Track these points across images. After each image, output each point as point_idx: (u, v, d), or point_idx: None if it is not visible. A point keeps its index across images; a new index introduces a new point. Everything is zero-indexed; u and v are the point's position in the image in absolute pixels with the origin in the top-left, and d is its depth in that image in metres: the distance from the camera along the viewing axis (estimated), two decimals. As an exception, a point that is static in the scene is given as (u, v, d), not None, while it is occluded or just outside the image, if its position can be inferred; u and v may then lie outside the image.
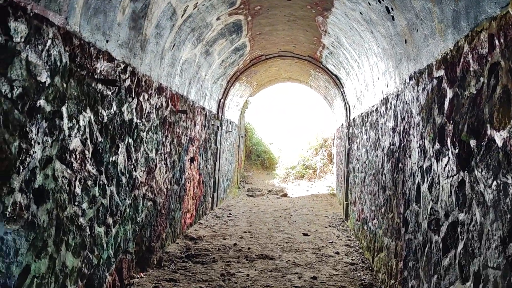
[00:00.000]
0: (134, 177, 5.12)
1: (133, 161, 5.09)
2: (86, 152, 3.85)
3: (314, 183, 17.10)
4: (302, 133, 21.39)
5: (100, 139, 4.13)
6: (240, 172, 17.71)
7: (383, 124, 6.23)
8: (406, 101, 4.78)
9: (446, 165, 3.30)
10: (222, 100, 11.23)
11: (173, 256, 6.53)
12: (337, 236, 8.82)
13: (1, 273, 2.70)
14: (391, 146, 5.50)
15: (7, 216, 2.75)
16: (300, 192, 16.22)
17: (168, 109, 6.47)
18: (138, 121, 5.18)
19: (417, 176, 4.14)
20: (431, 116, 3.77)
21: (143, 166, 5.45)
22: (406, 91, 4.77)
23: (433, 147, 3.68)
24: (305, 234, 8.82)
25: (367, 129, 7.86)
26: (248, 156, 20.36)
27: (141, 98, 5.24)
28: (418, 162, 4.15)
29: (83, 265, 3.87)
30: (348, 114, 10.89)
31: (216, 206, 11.59)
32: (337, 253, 7.36)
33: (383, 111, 6.20)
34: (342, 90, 10.85)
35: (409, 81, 4.65)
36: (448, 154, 3.27)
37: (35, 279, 3.10)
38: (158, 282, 5.32)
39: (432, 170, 3.66)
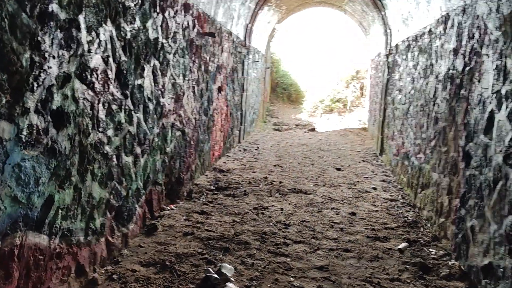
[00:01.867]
0: (161, 104, 4.72)
1: (160, 87, 4.65)
2: (109, 72, 3.42)
3: (344, 117, 16.49)
4: (332, 64, 20.30)
5: (123, 58, 3.67)
6: (265, 105, 17.21)
7: (438, 46, 5.50)
8: (478, 15, 4.05)
9: (541, 87, 2.72)
10: (249, 26, 10.43)
11: (203, 188, 6.34)
12: (372, 171, 8.46)
13: (21, 203, 2.43)
14: (450, 71, 4.84)
15: (23, 140, 2.41)
16: (329, 127, 15.73)
17: (195, 30, 5.89)
18: (164, 41, 4.66)
19: (490, 103, 3.56)
20: (520, 29, 3.11)
21: (171, 93, 5.03)
22: (480, 2, 4.02)
23: (519, 67, 3.07)
24: (338, 169, 8.48)
25: (414, 55, 7.10)
26: (273, 89, 19.69)
27: (166, 15, 4.67)
28: (492, 87, 3.55)
29: (111, 197, 3.63)
30: (389, 41, 9.97)
31: (243, 139, 11.30)
32: (374, 188, 7.03)
33: (440, 32, 5.44)
34: (383, 13, 9.84)
35: (485, -11, 3.89)
36: (546, 73, 2.67)
37: (60, 211, 2.84)
38: (189, 214, 5.14)
39: (516, 95, 3.09)
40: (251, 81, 12.17)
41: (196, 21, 5.89)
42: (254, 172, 7.69)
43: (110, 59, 3.43)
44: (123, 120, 3.74)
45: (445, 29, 5.24)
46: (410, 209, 5.88)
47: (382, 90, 10.50)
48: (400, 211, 5.78)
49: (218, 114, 7.95)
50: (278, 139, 12.63)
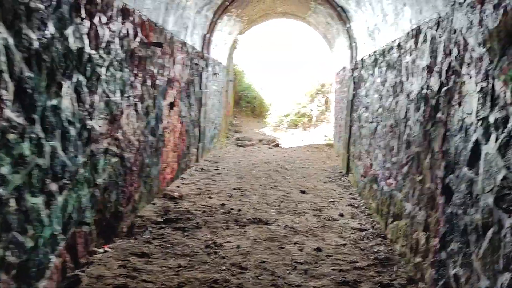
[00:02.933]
0: (89, 127, 3.95)
1: (87, 106, 3.89)
2: (3, 91, 2.65)
3: (309, 132, 16.08)
4: (297, 77, 19.98)
5: (28, 73, 2.91)
6: (228, 119, 16.57)
7: (409, 62, 5.06)
8: (456, 29, 3.60)
9: (546, 118, 2.22)
10: (207, 36, 9.80)
11: (148, 220, 5.55)
12: (339, 194, 7.95)
13: None
14: (424, 91, 4.38)
15: None
16: (294, 142, 15.25)
17: (138, 39, 5.17)
18: (92, 52, 3.92)
19: (475, 131, 3.07)
20: (512, 45, 2.63)
21: (103, 113, 4.27)
22: (457, 14, 3.57)
23: (513, 91, 2.58)
24: (303, 192, 7.92)
25: (382, 71, 6.70)
26: (237, 103, 19.10)
27: (95, 21, 3.94)
28: (477, 113, 3.06)
29: (8, 253, 2.82)
30: (354, 54, 9.63)
31: (202, 158, 10.56)
32: (341, 215, 6.49)
33: (411, 46, 5.01)
34: (348, 25, 9.50)
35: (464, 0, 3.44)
36: (552, 101, 2.17)
37: None
38: (126, 257, 4.35)
39: (509, 124, 2.59)
40: (211, 95, 11.51)
41: (139, 29, 5.18)
42: (211, 198, 6.97)
43: (5, 76, 2.66)
44: (27, 152, 2.96)
45: (416, 43, 4.80)
46: (381, 241, 5.36)
47: (348, 106, 10.11)
48: (370, 244, 5.24)
49: (170, 133, 7.20)
50: (240, 156, 11.98)
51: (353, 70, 9.86)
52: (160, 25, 6.07)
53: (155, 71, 6.02)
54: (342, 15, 9.52)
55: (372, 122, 7.20)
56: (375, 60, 7.30)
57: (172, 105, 7.14)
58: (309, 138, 15.58)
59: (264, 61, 23.81)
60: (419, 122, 4.46)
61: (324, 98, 16.92)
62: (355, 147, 8.85)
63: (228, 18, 11.11)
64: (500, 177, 2.65)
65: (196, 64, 9.11)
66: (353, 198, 7.66)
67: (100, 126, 4.20)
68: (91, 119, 3.97)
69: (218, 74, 12.18)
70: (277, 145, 14.56)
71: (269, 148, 14.12)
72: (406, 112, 5.06)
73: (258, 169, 10.03)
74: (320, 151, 13.48)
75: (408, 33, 5.18)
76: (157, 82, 6.17)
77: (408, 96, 5.02)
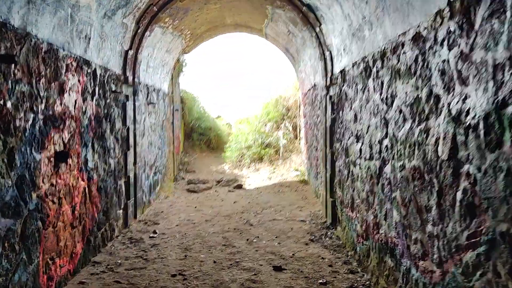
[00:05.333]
0: None
1: None
2: None
3: (277, 166, 13.85)
4: (258, 101, 17.94)
5: None
6: (178, 158, 14.13)
7: (451, 61, 2.98)
8: None
9: None
10: (131, 53, 7.50)
11: None
12: (330, 265, 5.68)
13: None
14: (510, 109, 2.26)
15: None
16: (259, 181, 12.96)
17: None
18: None
19: None
20: None
21: None
22: None
23: None
24: (278, 268, 5.57)
25: (382, 82, 4.63)
26: (188, 135, 16.72)
27: None
28: None
29: None
30: (329, 67, 7.62)
31: (136, 218, 8.04)
32: (343, 314, 4.20)
33: (452, 32, 2.93)
34: (317, 29, 7.52)
35: None
36: None
37: None
38: None
39: None
40: (146, 131, 9.12)
41: None
42: (131, 303, 4.50)
43: None
44: None
45: (468, 24, 2.72)
46: None
47: (326, 134, 8.03)
48: None
49: (61, 200, 4.74)
50: (191, 208, 9.53)
51: (328, 87, 7.85)
52: (17, 27, 3.72)
53: (8, 105, 3.62)
54: (309, 16, 7.54)
55: (371, 159, 5.07)
56: (367, 69, 5.25)
57: (62, 156, 4.71)
58: (277, 174, 13.34)
59: (219, 84, 21.73)
60: (502, 171, 2.31)
61: (291, 124, 14.88)
62: (344, 191, 6.69)
63: (163, 30, 8.91)
64: None
65: (114, 92, 6.75)
66: (351, 272, 5.40)
67: None
68: None
69: (154, 103, 9.84)
70: (239, 186, 12.24)
71: (230, 191, 11.76)
72: (453, 148, 2.93)
73: (212, 229, 7.61)
74: (293, 191, 11.25)
75: (441, 11, 3.12)
76: (16, 123, 3.76)
77: (455, 120, 2.90)
